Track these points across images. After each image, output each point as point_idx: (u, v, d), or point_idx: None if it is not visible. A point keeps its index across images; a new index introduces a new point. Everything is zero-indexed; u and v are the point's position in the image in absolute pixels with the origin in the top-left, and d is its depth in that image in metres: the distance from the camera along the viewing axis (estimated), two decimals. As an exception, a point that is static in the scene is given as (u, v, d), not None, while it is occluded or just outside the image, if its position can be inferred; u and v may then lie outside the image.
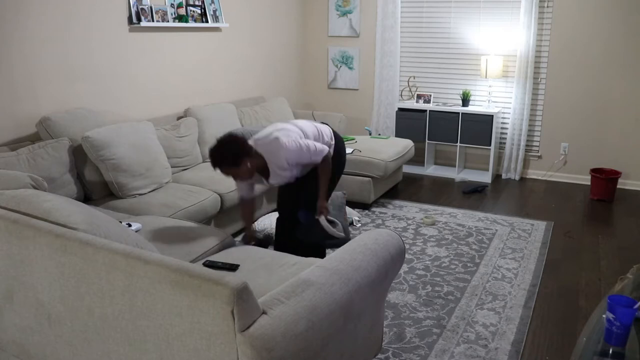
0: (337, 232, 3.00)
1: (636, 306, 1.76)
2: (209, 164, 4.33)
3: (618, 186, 5.25)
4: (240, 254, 2.66)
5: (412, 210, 4.78)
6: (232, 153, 2.62)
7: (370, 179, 4.66)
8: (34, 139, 3.53)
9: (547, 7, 5.40)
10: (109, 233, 2.01)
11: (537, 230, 4.32)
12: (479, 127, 5.56)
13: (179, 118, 4.54)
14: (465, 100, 5.69)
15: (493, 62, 5.47)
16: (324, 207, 2.98)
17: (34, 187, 2.50)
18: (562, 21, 5.38)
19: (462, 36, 5.84)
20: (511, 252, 3.89)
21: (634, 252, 3.91)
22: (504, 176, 5.85)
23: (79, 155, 3.47)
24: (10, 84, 3.39)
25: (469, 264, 3.69)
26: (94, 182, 3.53)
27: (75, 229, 1.93)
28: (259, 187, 2.81)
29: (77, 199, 3.39)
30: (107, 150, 3.43)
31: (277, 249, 3.32)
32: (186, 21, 4.62)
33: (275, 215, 4.09)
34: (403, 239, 4.09)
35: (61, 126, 3.46)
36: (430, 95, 5.86)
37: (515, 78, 5.56)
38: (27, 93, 3.50)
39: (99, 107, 3.98)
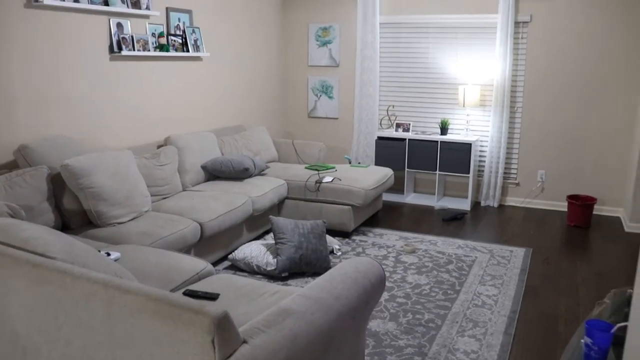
0: None
1: (613, 330, 1.78)
2: (188, 193, 4.33)
3: (594, 212, 5.34)
4: (220, 283, 2.65)
5: (392, 238, 4.79)
6: None
7: (350, 207, 4.68)
8: (11, 166, 3.49)
9: (522, 38, 5.55)
10: (88, 262, 1.99)
11: (516, 256, 4.36)
12: (458, 155, 5.64)
13: (159, 146, 4.54)
14: (444, 129, 5.77)
15: (470, 92, 5.58)
16: None
17: (11, 216, 2.48)
18: (535, 52, 5.53)
19: (440, 66, 5.95)
20: (491, 279, 3.91)
21: (611, 278, 3.97)
22: (482, 203, 5.92)
23: (58, 184, 3.44)
24: (-11, 112, 3.37)
25: (449, 291, 3.71)
26: (73, 210, 3.49)
27: (53, 259, 1.90)
28: None
29: (55, 227, 3.35)
30: (87, 179, 3.41)
31: None
32: (167, 50, 4.65)
33: (256, 243, 4.07)
34: (383, 266, 4.10)
35: (39, 154, 3.44)
36: (409, 124, 5.94)
37: (492, 107, 5.68)
38: (5, 120, 3.47)
39: (78, 135, 3.96)
